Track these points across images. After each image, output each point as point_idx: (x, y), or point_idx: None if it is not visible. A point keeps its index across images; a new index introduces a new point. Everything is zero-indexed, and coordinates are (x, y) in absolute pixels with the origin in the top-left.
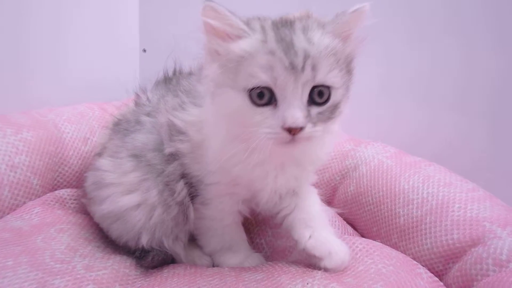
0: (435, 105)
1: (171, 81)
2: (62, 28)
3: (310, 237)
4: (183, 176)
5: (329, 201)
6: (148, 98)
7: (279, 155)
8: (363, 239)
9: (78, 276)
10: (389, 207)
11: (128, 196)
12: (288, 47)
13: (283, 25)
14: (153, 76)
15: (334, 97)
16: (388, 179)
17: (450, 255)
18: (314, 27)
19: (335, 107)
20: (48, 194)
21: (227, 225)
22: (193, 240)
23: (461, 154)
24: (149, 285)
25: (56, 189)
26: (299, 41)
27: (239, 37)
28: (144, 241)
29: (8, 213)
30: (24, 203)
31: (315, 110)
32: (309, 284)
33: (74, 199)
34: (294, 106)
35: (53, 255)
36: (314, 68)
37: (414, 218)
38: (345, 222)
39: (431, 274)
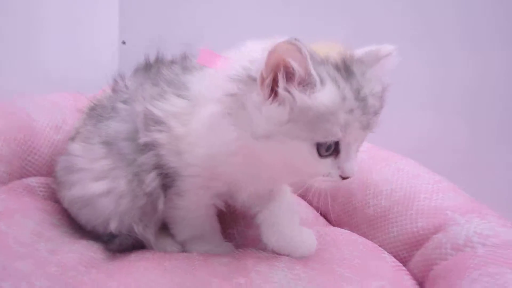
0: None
1: (151, 69)
2: (37, 16)
3: (276, 240)
4: (157, 167)
5: (303, 194)
6: (126, 85)
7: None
8: (332, 228)
9: (42, 259)
10: (359, 198)
11: (98, 183)
12: (365, 106)
13: (348, 74)
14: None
15: None
16: (360, 171)
17: (414, 243)
18: (368, 72)
19: None
20: (15, 182)
21: (200, 215)
22: (165, 228)
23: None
24: (115, 267)
25: (24, 177)
26: (371, 98)
27: (311, 86)
28: (113, 227)
29: None
30: None
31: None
32: (275, 266)
33: (44, 187)
34: (353, 158)
35: (17, 239)
36: (377, 122)
37: (383, 208)
38: (318, 213)
39: (395, 259)
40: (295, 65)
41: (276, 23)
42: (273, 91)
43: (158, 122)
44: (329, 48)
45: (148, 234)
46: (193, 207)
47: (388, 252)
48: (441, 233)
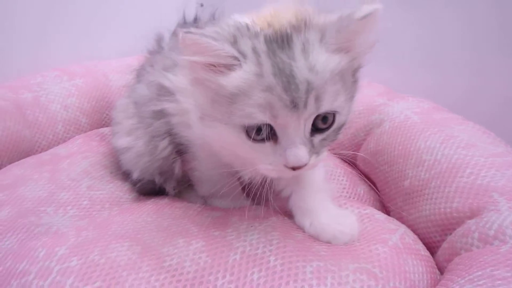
0: None
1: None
2: None
3: (310, 225)
4: (170, 134)
5: (352, 160)
6: (160, 47)
7: None
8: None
9: (80, 192)
10: (400, 167)
11: (124, 138)
12: (288, 81)
13: (280, 46)
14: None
15: (338, 120)
16: (407, 137)
17: (447, 225)
18: (315, 44)
19: (340, 127)
20: (94, 130)
21: (215, 177)
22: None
23: None
24: (130, 207)
25: (101, 127)
26: (300, 71)
27: (228, 67)
28: (135, 177)
29: (60, 144)
30: (74, 137)
31: (318, 137)
32: (252, 227)
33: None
34: (296, 144)
35: (69, 175)
36: (318, 99)
37: (421, 181)
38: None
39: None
40: (197, 58)
41: None
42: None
43: (168, 92)
44: (289, 14)
45: (167, 186)
46: (207, 171)
47: (418, 232)
48: (475, 218)
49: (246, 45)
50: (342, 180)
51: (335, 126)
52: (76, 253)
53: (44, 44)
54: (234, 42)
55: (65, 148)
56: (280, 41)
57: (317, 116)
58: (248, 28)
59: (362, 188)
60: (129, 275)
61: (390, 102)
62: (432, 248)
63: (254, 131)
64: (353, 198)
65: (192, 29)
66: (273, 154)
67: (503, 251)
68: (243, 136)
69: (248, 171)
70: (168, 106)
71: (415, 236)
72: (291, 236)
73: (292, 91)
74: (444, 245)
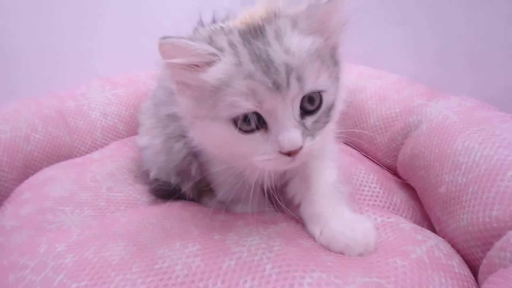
0: None
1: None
2: None
3: (321, 233)
4: (183, 136)
5: (392, 166)
6: None
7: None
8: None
9: (99, 193)
10: (436, 172)
11: (145, 137)
12: (266, 65)
13: (254, 36)
14: None
15: (326, 99)
16: (443, 138)
17: (488, 237)
18: (287, 29)
19: (329, 109)
20: (130, 137)
21: (231, 182)
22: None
23: None
24: (143, 209)
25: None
26: (277, 55)
27: (208, 64)
28: (152, 175)
29: (98, 149)
30: (111, 142)
31: (310, 120)
32: (255, 232)
33: None
34: (287, 127)
35: (93, 177)
36: (300, 79)
37: (458, 187)
38: (393, 192)
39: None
40: (177, 60)
41: None
42: None
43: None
44: (261, 11)
45: (184, 187)
46: (222, 176)
47: (459, 248)
48: None
49: (222, 41)
50: (375, 187)
51: (323, 107)
52: (72, 251)
53: (89, 55)
54: (211, 41)
55: (99, 152)
56: (253, 32)
57: (304, 99)
58: (222, 28)
59: (399, 197)
60: (117, 276)
61: (429, 102)
62: (474, 266)
63: (241, 121)
64: (388, 208)
65: (169, 35)
66: (266, 143)
67: None
68: (232, 128)
69: (249, 170)
70: (177, 110)
71: (452, 251)
72: (296, 243)
73: (272, 73)
74: (484, 261)
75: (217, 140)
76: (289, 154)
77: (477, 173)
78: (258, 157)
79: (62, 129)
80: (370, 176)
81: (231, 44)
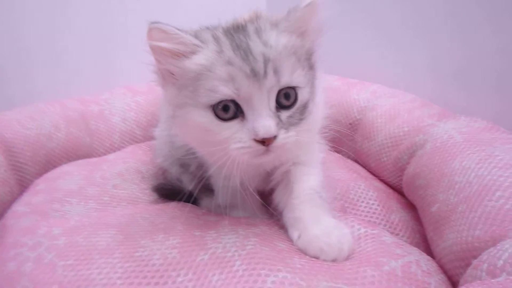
0: None
1: None
2: None
3: (299, 237)
4: None
5: (397, 185)
6: None
7: (252, 169)
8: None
9: (105, 189)
10: (432, 191)
11: (157, 129)
12: (246, 53)
13: (236, 31)
14: None
15: (301, 97)
16: (444, 158)
17: (469, 257)
18: (267, 27)
19: (304, 107)
20: (146, 142)
21: (229, 187)
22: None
23: None
24: (144, 206)
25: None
26: (256, 45)
27: (193, 53)
28: (158, 161)
29: (115, 151)
30: (128, 146)
31: (284, 114)
32: (234, 231)
33: None
34: (263, 115)
35: (103, 175)
36: (276, 71)
37: (449, 207)
38: (391, 211)
39: None
40: (164, 44)
41: None
42: None
43: None
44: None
45: (184, 177)
46: (219, 180)
47: (446, 269)
48: (492, 248)
49: (206, 35)
50: (373, 204)
51: (298, 104)
52: (66, 234)
53: (114, 64)
54: (196, 36)
55: (115, 154)
56: (236, 28)
57: (280, 94)
58: (207, 27)
59: (397, 216)
60: (100, 259)
61: (438, 122)
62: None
63: (220, 108)
64: (384, 225)
65: (158, 20)
66: (242, 131)
67: (495, 283)
68: (211, 115)
69: (229, 165)
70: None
71: (434, 269)
72: (271, 245)
73: (250, 61)
74: (462, 281)
75: (196, 130)
76: (264, 143)
77: (468, 193)
78: (234, 144)
79: (83, 130)
80: (369, 193)
81: (215, 37)
